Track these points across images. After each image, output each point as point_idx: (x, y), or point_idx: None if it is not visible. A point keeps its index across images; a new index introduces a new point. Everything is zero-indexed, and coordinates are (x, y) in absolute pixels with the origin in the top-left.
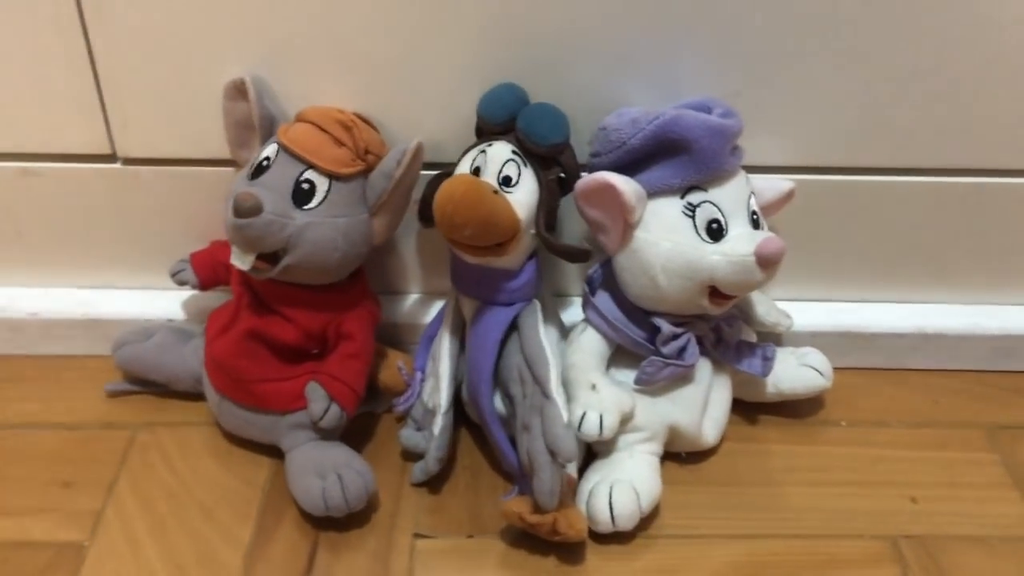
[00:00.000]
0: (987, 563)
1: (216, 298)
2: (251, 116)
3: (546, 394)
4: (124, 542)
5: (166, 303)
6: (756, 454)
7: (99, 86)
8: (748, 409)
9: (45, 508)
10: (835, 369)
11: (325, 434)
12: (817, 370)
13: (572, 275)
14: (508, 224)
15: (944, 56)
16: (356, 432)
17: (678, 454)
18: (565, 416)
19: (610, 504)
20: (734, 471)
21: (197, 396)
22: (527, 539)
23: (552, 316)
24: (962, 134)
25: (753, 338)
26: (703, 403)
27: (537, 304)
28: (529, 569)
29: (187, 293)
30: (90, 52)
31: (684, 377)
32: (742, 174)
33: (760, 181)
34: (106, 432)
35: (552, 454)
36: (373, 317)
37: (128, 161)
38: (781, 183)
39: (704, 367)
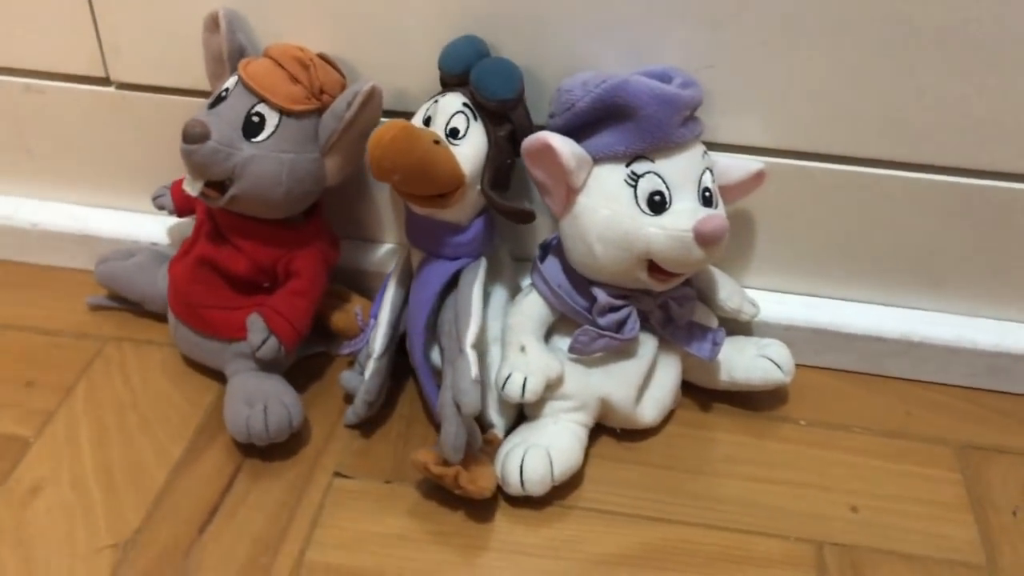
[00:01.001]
0: None
1: None
2: (222, 49)
3: (460, 348)
4: (65, 443)
5: (153, 227)
6: (700, 441)
7: (92, 8)
8: (703, 395)
9: (4, 403)
10: (807, 367)
11: (265, 366)
12: (775, 363)
13: (535, 240)
14: (448, 175)
15: (950, 42)
16: (307, 371)
17: (613, 429)
18: (474, 371)
19: (521, 467)
20: (672, 455)
21: (165, 318)
22: (441, 492)
23: (506, 278)
24: (967, 130)
25: (714, 322)
26: (640, 380)
27: (482, 262)
28: (435, 521)
29: (173, 220)
30: None
31: (623, 351)
32: (697, 148)
33: (727, 159)
34: (78, 341)
35: (457, 407)
36: (326, 258)
37: (121, 86)
38: (749, 163)
39: (648, 344)
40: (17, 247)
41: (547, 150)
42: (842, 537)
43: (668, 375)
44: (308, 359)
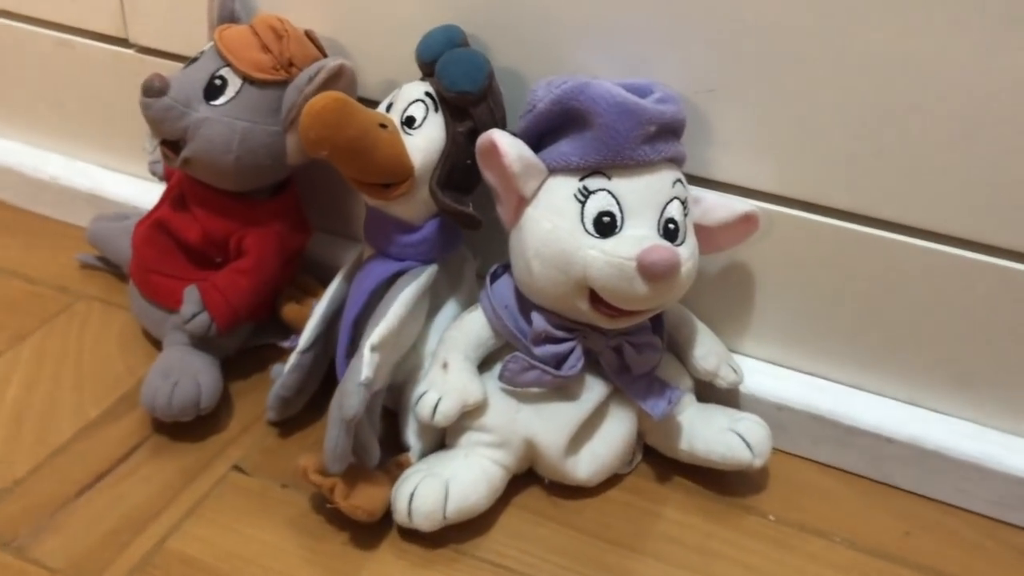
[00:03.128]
0: None
1: None
2: (213, 15)
3: (360, 346)
4: None
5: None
6: (642, 513)
7: None
8: (665, 465)
9: None
10: (795, 456)
11: (199, 343)
12: (745, 440)
13: None
14: (390, 163)
15: (992, 102)
16: (254, 360)
17: (541, 479)
18: (364, 373)
19: (412, 495)
20: (603, 522)
21: None
22: (334, 509)
23: (463, 294)
24: (1004, 204)
25: (688, 383)
26: (575, 427)
27: (429, 270)
28: (314, 537)
29: None
30: None
31: (562, 391)
32: (668, 174)
33: (714, 198)
34: (55, 293)
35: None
36: (282, 242)
37: (141, 49)
38: (738, 204)
39: (595, 389)
40: (32, 197)
41: (493, 150)
42: None
43: (617, 431)
44: (259, 349)
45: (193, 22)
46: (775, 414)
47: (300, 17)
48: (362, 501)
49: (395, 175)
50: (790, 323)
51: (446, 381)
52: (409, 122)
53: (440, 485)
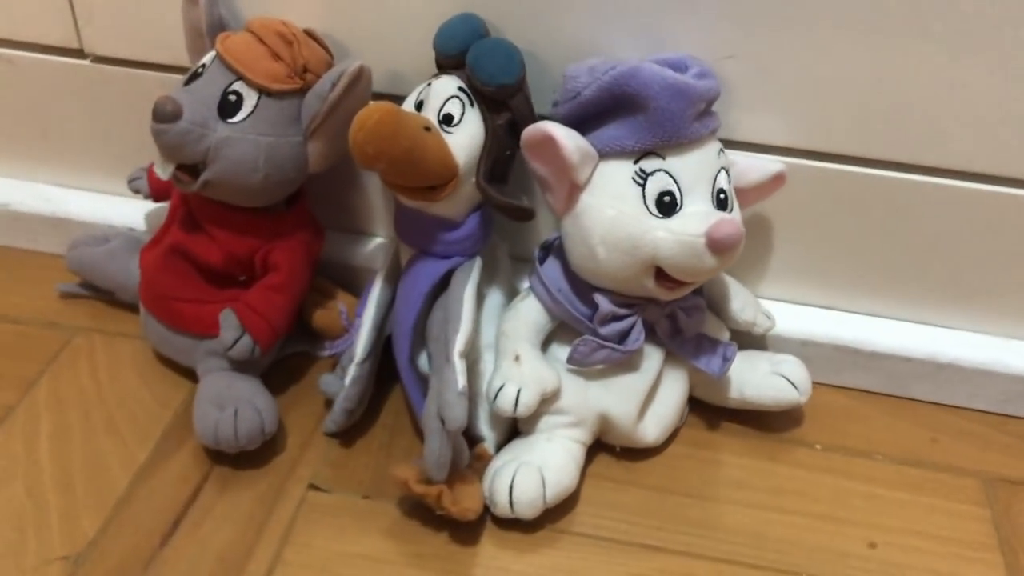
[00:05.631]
0: None
1: None
2: (201, 22)
3: (447, 356)
4: (22, 441)
5: (131, 211)
6: (705, 463)
7: None
8: (710, 413)
9: None
10: (826, 387)
11: (239, 365)
12: (790, 381)
13: (537, 239)
14: (439, 166)
15: (1002, 37)
16: (286, 371)
17: (613, 447)
18: (460, 383)
19: (511, 487)
20: (675, 477)
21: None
22: (424, 511)
23: (502, 279)
24: (1002, 137)
25: (725, 335)
26: (643, 395)
27: (477, 262)
28: (416, 542)
29: (152, 204)
30: None
31: (625, 364)
32: (713, 146)
33: (745, 159)
34: (46, 331)
35: (442, 421)
36: (309, 251)
37: (97, 59)
38: (769, 164)
39: (654, 357)
40: None
41: (548, 142)
42: None
43: (673, 391)
44: (288, 359)
45: (153, 24)
46: (801, 349)
47: (294, 15)
48: (468, 502)
49: (442, 177)
50: (806, 263)
51: (522, 373)
52: (447, 120)
53: (536, 472)
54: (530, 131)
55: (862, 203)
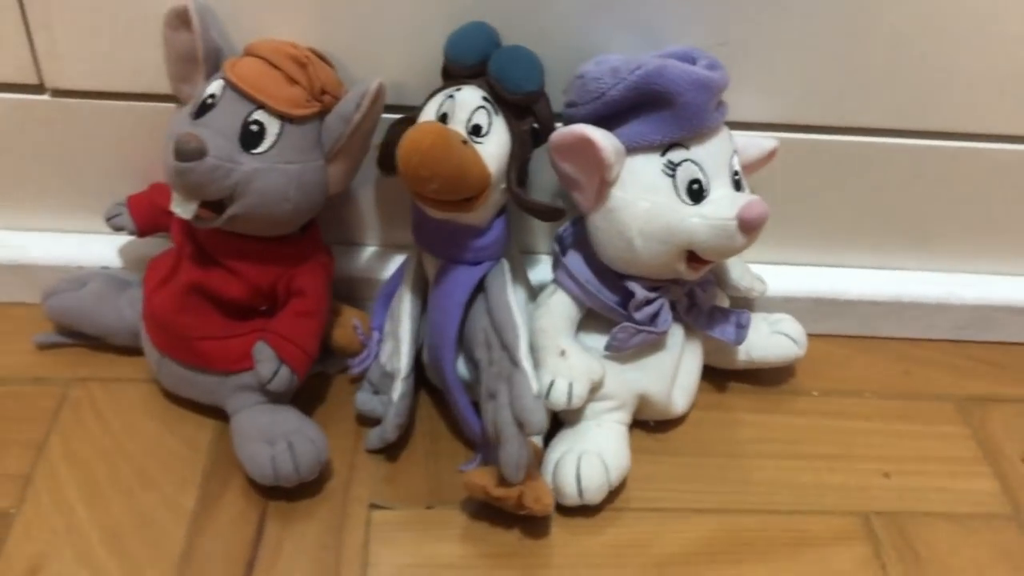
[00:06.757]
0: (958, 540)
1: (155, 244)
2: (195, 48)
3: (514, 362)
4: (55, 509)
5: (101, 248)
6: (725, 424)
7: (22, 6)
8: (716, 376)
9: None
10: (810, 336)
11: (274, 397)
12: (791, 338)
13: (539, 232)
14: (478, 178)
15: (934, 17)
16: (306, 394)
17: (645, 422)
18: (535, 386)
19: (578, 476)
20: (702, 441)
21: (132, 351)
22: (489, 511)
23: (520, 276)
24: (946, 97)
25: (726, 303)
26: (674, 371)
27: (505, 264)
28: (492, 543)
29: (123, 239)
30: None
31: (655, 344)
32: (725, 131)
33: (742, 139)
34: (35, 387)
35: (520, 426)
36: (327, 272)
37: (57, 92)
38: (764, 141)
39: (676, 333)
40: None
41: (586, 144)
42: (883, 505)
43: (693, 361)
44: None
45: (120, 53)
46: (784, 305)
47: (282, 32)
48: (547, 498)
49: (479, 188)
50: (781, 227)
51: (570, 366)
52: (476, 131)
53: (597, 459)
54: (564, 134)
55: (828, 167)
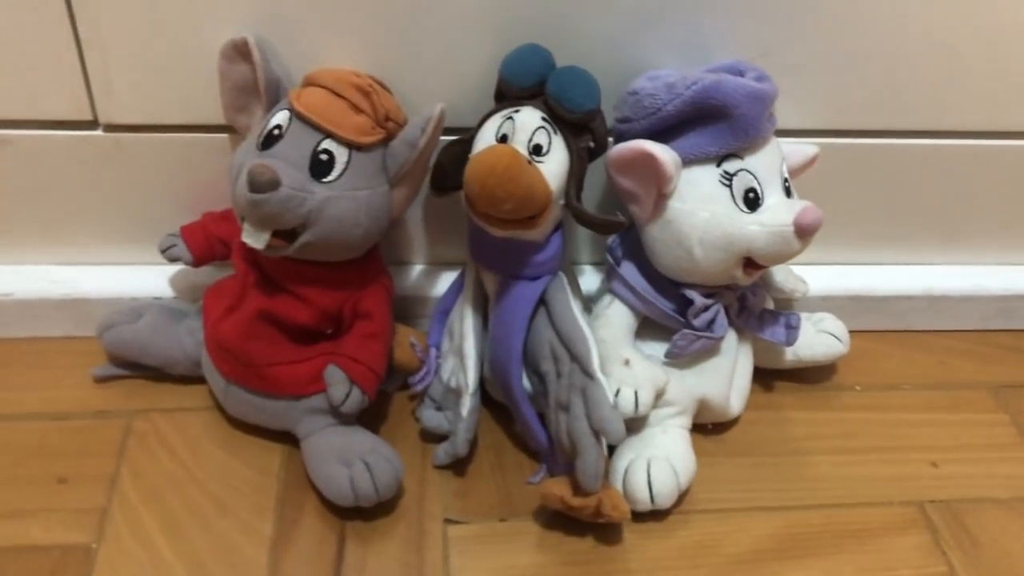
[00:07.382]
0: (1011, 524)
1: (207, 273)
2: (254, 79)
3: (589, 373)
4: (135, 541)
5: (153, 279)
6: (777, 423)
7: (79, 46)
8: (763, 375)
9: (42, 507)
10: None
11: (344, 419)
12: (835, 336)
13: (581, 243)
14: (543, 196)
15: (960, 26)
16: (368, 413)
17: (704, 426)
18: (611, 397)
19: (649, 482)
20: (757, 441)
21: (192, 379)
22: (562, 520)
23: (576, 288)
24: (971, 98)
25: (771, 305)
26: (730, 374)
27: (563, 278)
28: (566, 551)
29: (174, 268)
30: (69, 7)
31: (712, 349)
32: (775, 140)
33: (787, 146)
34: (98, 421)
35: (597, 436)
36: (389, 293)
37: (110, 128)
38: (807, 148)
39: (731, 338)
40: None
41: (646, 158)
42: (936, 494)
43: (746, 364)
44: None
45: (173, 86)
46: (821, 304)
47: (339, 60)
48: (623, 504)
49: (543, 206)
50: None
51: (634, 375)
52: (537, 150)
53: (666, 464)
54: (624, 150)
55: (860, 169)
